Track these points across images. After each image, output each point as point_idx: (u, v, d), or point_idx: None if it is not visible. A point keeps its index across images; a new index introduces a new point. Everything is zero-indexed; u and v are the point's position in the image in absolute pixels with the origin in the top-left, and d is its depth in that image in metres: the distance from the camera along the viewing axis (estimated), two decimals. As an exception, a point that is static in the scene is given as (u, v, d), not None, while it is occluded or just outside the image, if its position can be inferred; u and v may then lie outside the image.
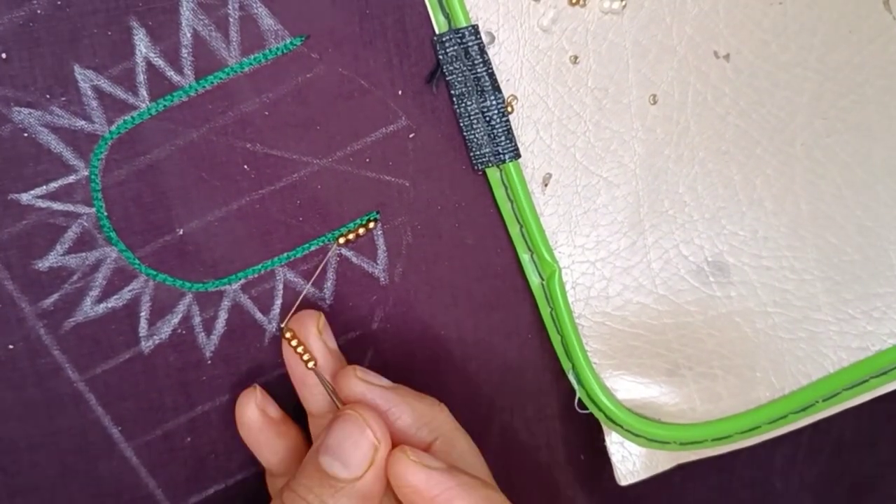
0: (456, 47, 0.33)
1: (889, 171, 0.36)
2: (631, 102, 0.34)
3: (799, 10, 0.34)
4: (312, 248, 0.34)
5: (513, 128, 0.34)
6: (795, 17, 0.34)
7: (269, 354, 0.35)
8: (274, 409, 0.33)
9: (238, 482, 0.36)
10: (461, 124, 0.34)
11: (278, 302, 0.34)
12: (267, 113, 0.33)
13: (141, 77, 0.31)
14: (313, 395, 0.33)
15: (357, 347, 0.36)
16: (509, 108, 0.34)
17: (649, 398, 0.36)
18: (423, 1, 0.33)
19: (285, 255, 0.34)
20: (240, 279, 0.34)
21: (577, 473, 0.40)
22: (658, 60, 0.34)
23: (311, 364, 0.32)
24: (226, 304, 0.34)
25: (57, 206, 0.32)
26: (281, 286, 0.34)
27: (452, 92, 0.34)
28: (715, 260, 0.36)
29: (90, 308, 0.33)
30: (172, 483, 0.35)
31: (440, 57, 0.33)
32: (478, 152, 0.34)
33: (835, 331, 0.36)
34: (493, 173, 0.34)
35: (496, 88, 0.33)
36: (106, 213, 0.32)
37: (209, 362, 0.34)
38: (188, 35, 0.31)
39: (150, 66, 0.31)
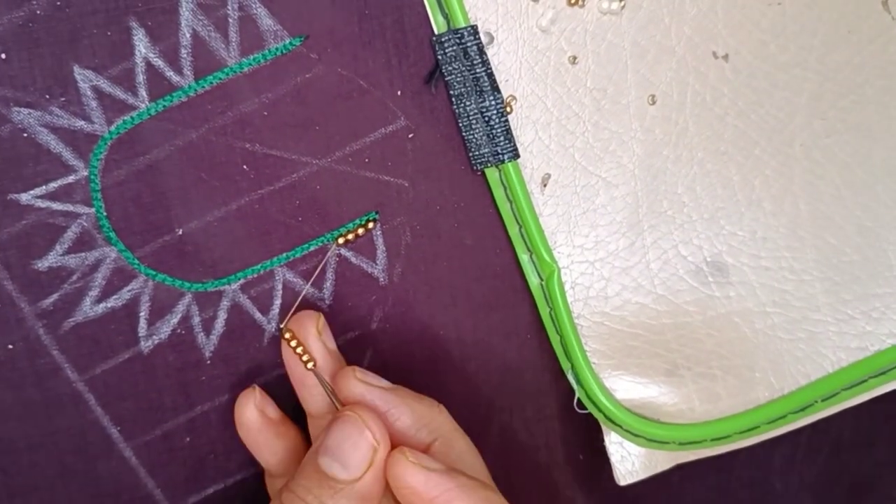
0: (455, 48, 0.33)
1: (888, 172, 0.36)
2: (629, 103, 0.34)
3: (798, 11, 0.34)
4: (312, 248, 0.34)
5: (512, 128, 0.34)
6: (794, 17, 0.34)
7: (268, 355, 0.35)
8: (273, 410, 0.33)
9: (237, 482, 0.36)
10: (460, 124, 0.34)
11: (277, 302, 0.34)
12: (266, 113, 0.33)
13: (140, 77, 0.31)
14: (312, 396, 0.33)
15: (356, 347, 0.36)
16: (508, 109, 0.34)
17: (648, 398, 0.36)
18: (422, 1, 0.33)
19: (284, 255, 0.34)
20: (239, 279, 0.34)
21: (577, 473, 0.40)
22: (657, 61, 0.34)
23: (310, 365, 0.32)
24: (225, 304, 0.34)
25: (56, 206, 0.32)
26: (280, 286, 0.34)
27: (451, 92, 0.34)
28: (714, 260, 0.36)
29: (89, 308, 0.33)
30: (171, 483, 0.35)
31: (439, 57, 0.33)
32: (477, 152, 0.34)
33: (834, 331, 0.36)
34: (492, 173, 0.34)
35: (495, 89, 0.33)
36: (105, 214, 0.32)
37: (208, 362, 0.34)
38: (187, 35, 0.31)
39: (149, 66, 0.31)
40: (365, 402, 0.31)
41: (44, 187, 0.31)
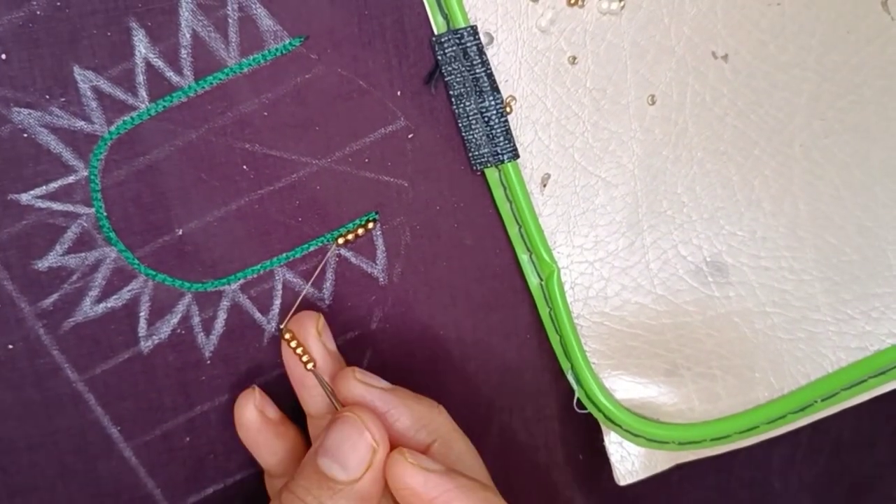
0: (454, 48, 0.33)
1: (887, 172, 0.36)
2: (629, 103, 0.34)
3: (797, 11, 0.34)
4: (311, 248, 0.34)
5: (511, 128, 0.34)
6: (793, 17, 0.34)
7: (268, 355, 0.35)
8: (273, 410, 0.33)
9: (237, 482, 0.36)
10: (460, 125, 0.34)
11: (277, 302, 0.34)
12: (266, 113, 0.33)
13: (140, 78, 0.31)
14: (312, 397, 0.33)
15: (356, 347, 0.36)
16: (508, 109, 0.34)
17: (648, 398, 0.36)
18: (422, 2, 0.33)
19: (284, 255, 0.34)
20: (239, 279, 0.34)
21: (576, 474, 0.40)
22: (656, 61, 0.34)
23: (310, 365, 0.32)
24: (225, 304, 0.34)
25: (56, 206, 0.32)
26: (280, 286, 0.34)
27: (451, 92, 0.34)
28: (713, 260, 0.36)
29: (89, 308, 0.33)
30: (171, 483, 0.35)
31: (439, 57, 0.33)
32: (476, 153, 0.34)
33: (833, 331, 0.36)
34: (491, 174, 0.34)
35: (495, 89, 0.33)
36: (105, 214, 0.32)
37: (208, 362, 0.34)
38: (187, 36, 0.31)
39: (149, 66, 0.31)
40: (364, 403, 0.31)
41: (44, 187, 0.31)
